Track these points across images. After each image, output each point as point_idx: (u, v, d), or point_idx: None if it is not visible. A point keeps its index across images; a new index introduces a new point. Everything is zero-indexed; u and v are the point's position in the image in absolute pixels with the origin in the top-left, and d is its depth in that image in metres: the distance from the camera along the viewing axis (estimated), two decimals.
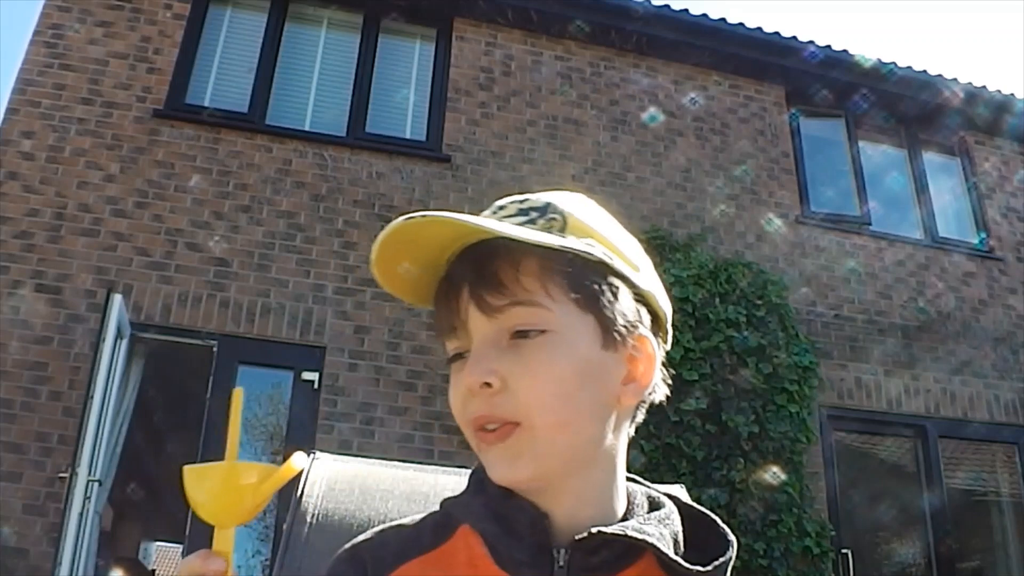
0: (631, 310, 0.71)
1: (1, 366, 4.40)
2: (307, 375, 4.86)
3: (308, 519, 0.81)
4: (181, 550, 4.67)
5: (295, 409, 4.85)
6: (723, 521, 0.72)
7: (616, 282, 0.70)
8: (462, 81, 5.90)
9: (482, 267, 0.67)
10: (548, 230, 0.68)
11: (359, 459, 0.93)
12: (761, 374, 5.28)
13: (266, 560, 4.90)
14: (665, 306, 0.75)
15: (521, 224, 0.68)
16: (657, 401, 0.75)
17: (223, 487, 0.63)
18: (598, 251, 0.68)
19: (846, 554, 5.22)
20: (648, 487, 0.75)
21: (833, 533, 5.18)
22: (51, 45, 5.26)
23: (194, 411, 4.86)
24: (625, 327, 0.69)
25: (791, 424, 5.24)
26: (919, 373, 5.96)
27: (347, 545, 0.72)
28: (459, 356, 0.70)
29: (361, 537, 0.72)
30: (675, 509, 0.72)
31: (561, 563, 0.64)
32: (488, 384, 0.65)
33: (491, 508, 0.68)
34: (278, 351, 4.89)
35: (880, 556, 5.98)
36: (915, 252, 6.45)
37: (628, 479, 0.73)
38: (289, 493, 0.89)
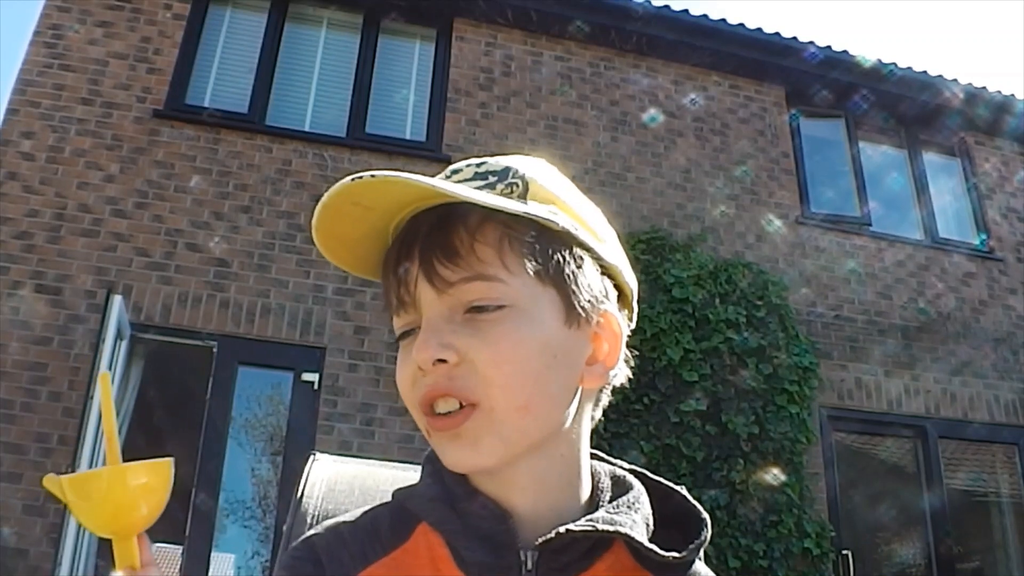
0: (596, 284, 0.66)
1: (1, 366, 4.39)
2: (307, 376, 4.86)
3: (308, 520, 0.80)
4: (181, 551, 4.66)
5: (295, 410, 4.85)
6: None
7: (580, 253, 0.65)
8: (462, 81, 5.90)
9: (435, 235, 0.61)
10: (508, 196, 0.63)
11: (359, 460, 0.93)
12: (761, 375, 5.27)
13: (266, 561, 4.90)
14: (631, 280, 0.70)
15: (478, 189, 0.62)
16: (619, 384, 0.70)
17: (111, 495, 0.57)
18: (562, 220, 0.63)
19: (846, 555, 5.21)
20: (611, 463, 0.71)
21: (833, 534, 5.18)
22: (51, 45, 5.26)
23: (194, 411, 4.86)
24: (590, 302, 0.64)
25: (791, 425, 5.24)
26: (919, 374, 5.96)
27: (300, 541, 0.67)
28: (409, 333, 0.64)
29: (315, 533, 0.67)
30: (643, 490, 0.67)
31: (529, 566, 0.60)
32: (443, 360, 0.59)
33: (450, 505, 0.63)
34: (278, 352, 4.89)
35: (880, 557, 5.98)
36: (915, 252, 6.45)
37: (591, 455, 0.70)
38: (290, 494, 0.89)
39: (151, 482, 0.59)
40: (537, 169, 0.67)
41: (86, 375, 4.33)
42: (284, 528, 0.83)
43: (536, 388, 0.61)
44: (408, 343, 0.63)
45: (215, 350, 4.75)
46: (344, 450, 4.49)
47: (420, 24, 6.11)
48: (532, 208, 0.62)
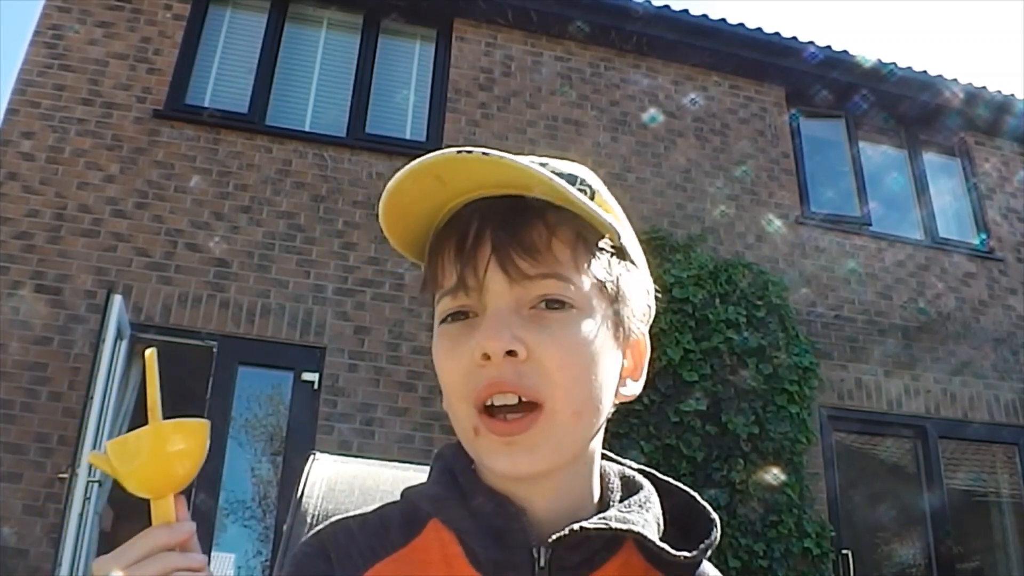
0: (642, 302, 0.67)
1: (1, 366, 4.39)
2: (307, 376, 4.86)
3: (308, 519, 0.80)
4: None
5: (295, 410, 4.85)
6: (723, 522, 0.68)
7: (633, 270, 0.66)
8: (462, 82, 5.90)
9: (512, 226, 0.60)
10: None
11: (359, 460, 0.93)
12: (761, 375, 5.27)
13: (266, 560, 4.90)
14: (652, 302, 0.71)
15: None
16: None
17: (151, 454, 0.60)
18: (623, 234, 0.64)
19: (846, 555, 5.21)
20: (621, 463, 0.71)
21: (833, 534, 5.18)
22: (51, 45, 5.26)
23: (194, 411, 4.84)
24: (634, 319, 0.65)
25: (791, 425, 5.24)
26: (919, 374, 5.96)
27: (310, 535, 0.67)
28: (458, 316, 0.62)
29: (325, 528, 0.67)
30: (653, 490, 0.67)
31: (542, 563, 0.60)
32: (513, 353, 0.58)
33: (464, 503, 0.63)
34: (278, 352, 4.89)
35: (880, 557, 5.97)
36: (915, 253, 6.45)
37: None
38: (290, 494, 0.89)
39: (188, 442, 0.61)
40: (596, 179, 0.67)
41: (86, 375, 4.32)
42: (284, 528, 0.83)
43: (589, 394, 0.61)
44: (458, 327, 0.61)
45: (215, 350, 4.75)
46: (344, 450, 4.50)
47: (420, 24, 6.11)
48: (607, 218, 0.62)
